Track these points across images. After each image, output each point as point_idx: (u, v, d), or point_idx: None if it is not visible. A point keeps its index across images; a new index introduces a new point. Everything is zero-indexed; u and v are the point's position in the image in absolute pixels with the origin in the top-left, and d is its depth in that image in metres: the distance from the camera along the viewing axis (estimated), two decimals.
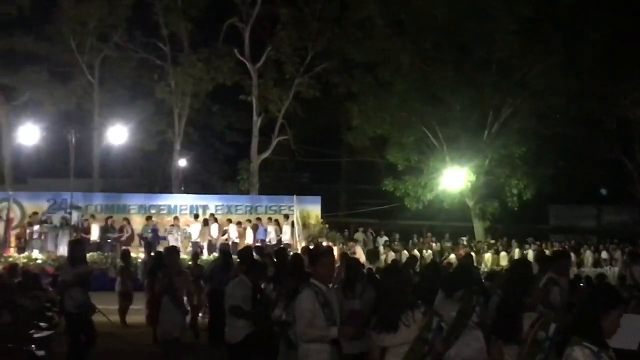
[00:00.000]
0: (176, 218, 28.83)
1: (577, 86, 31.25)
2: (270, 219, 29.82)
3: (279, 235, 28.53)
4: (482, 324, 7.87)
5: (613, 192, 43.26)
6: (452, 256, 28.96)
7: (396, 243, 32.04)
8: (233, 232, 28.67)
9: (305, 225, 30.08)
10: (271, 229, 28.93)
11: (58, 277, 17.98)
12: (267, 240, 28.15)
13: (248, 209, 31.16)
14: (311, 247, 18.08)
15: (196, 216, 29.21)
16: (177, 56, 36.71)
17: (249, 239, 28.08)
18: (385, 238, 32.34)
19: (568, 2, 30.56)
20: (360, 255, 25.67)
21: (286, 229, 29.25)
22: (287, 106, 37.09)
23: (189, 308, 13.00)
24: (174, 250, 11.82)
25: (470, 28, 31.33)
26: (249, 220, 29.37)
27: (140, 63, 37.31)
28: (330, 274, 7.13)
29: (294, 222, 29.14)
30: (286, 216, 30.03)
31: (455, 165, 32.45)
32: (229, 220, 29.47)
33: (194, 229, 28.37)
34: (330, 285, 7.42)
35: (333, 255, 7.68)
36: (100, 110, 36.34)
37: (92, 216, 28.99)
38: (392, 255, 26.78)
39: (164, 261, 11.72)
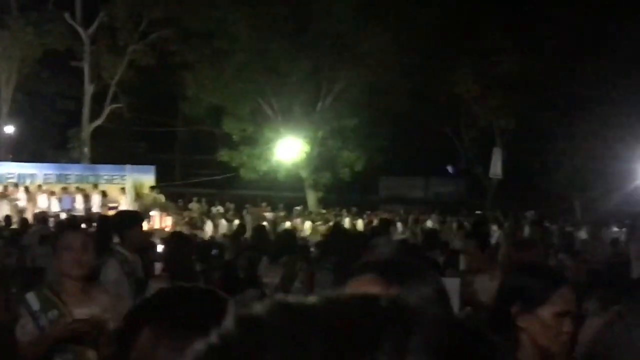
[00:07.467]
0: (6, 187, 27.62)
1: (409, 62, 32.25)
2: (77, 188, 28.99)
3: (88, 205, 27.78)
4: (306, 291, 8.27)
5: (440, 165, 45.24)
6: (288, 224, 29.44)
7: (230, 213, 32.22)
8: (43, 201, 27.47)
9: (138, 195, 29.72)
10: (79, 198, 28.10)
11: None
12: (74, 210, 27.18)
13: (79, 178, 30.34)
14: None
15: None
16: (4, 19, 35.07)
17: (54, 208, 27.11)
18: (219, 207, 32.45)
19: None
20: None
21: (95, 198, 28.40)
22: (121, 74, 36.24)
23: None
24: None
25: (308, 1, 31.82)
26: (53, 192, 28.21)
27: None
28: (141, 242, 7.17)
29: (126, 192, 28.70)
30: (95, 185, 29.34)
31: (289, 136, 32.91)
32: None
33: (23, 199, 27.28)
34: None
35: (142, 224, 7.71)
36: None
37: None
38: (224, 224, 26.96)
39: None
